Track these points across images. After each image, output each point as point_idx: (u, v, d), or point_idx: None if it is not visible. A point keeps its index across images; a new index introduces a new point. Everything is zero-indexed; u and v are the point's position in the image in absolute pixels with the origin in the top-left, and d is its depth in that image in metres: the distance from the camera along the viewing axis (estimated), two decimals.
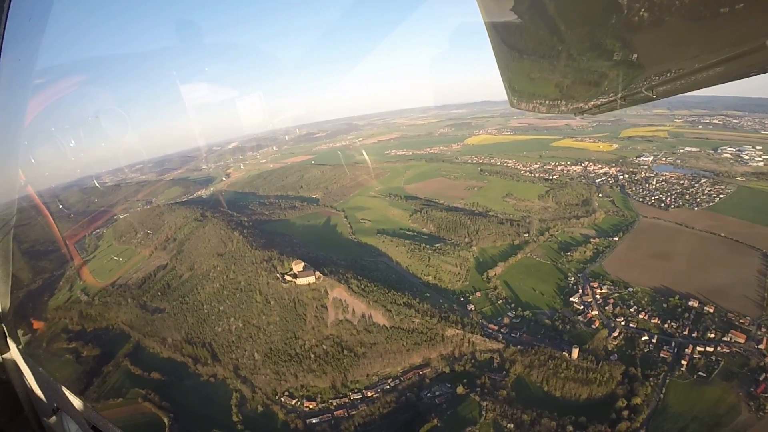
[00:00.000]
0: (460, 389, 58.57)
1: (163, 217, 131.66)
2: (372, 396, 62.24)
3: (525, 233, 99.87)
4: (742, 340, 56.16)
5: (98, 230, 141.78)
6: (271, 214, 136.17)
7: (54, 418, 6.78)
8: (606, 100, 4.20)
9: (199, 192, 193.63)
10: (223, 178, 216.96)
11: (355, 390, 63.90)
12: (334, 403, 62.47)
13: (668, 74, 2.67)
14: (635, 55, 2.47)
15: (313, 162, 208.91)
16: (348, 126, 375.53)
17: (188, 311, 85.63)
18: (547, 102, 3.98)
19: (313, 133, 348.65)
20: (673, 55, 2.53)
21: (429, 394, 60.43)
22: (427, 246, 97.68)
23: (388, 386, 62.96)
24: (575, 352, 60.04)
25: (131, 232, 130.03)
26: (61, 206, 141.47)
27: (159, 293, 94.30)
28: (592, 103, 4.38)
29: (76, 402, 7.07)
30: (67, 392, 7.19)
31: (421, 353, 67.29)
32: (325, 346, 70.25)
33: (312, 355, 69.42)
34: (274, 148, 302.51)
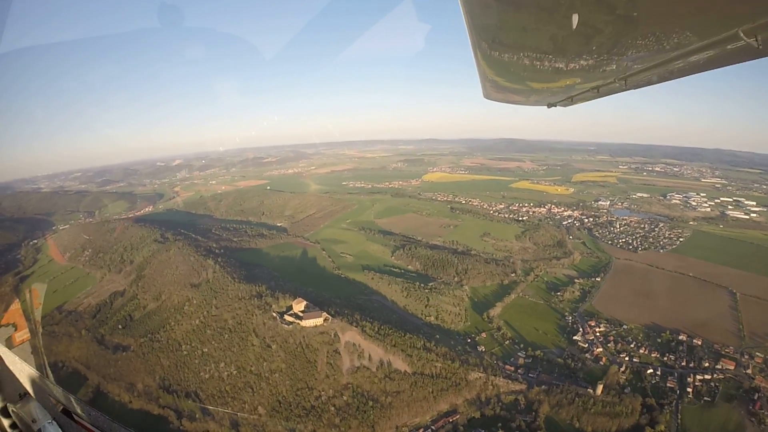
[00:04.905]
0: None
1: (113, 234, 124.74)
2: None
3: (512, 273, 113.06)
4: (732, 367, 72.53)
5: (35, 241, 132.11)
6: (240, 241, 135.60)
7: (21, 403, 7.10)
8: (581, 91, 5.11)
9: (148, 209, 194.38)
10: (173, 197, 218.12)
11: None
12: None
13: (647, 46, 3.07)
14: (636, 13, 2.68)
15: (268, 188, 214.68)
16: (296, 153, 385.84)
17: (161, 351, 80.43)
18: (532, 61, 4.02)
19: (261, 157, 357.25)
20: (656, 37, 2.91)
21: None
22: (422, 285, 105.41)
23: None
24: (599, 388, 70.90)
25: (76, 248, 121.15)
26: None
27: (119, 326, 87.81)
28: (568, 94, 5.32)
29: (45, 386, 7.60)
30: (36, 376, 7.60)
31: (447, 399, 72.04)
32: (345, 397, 70.98)
33: (332, 408, 69.37)
34: (223, 169, 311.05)
